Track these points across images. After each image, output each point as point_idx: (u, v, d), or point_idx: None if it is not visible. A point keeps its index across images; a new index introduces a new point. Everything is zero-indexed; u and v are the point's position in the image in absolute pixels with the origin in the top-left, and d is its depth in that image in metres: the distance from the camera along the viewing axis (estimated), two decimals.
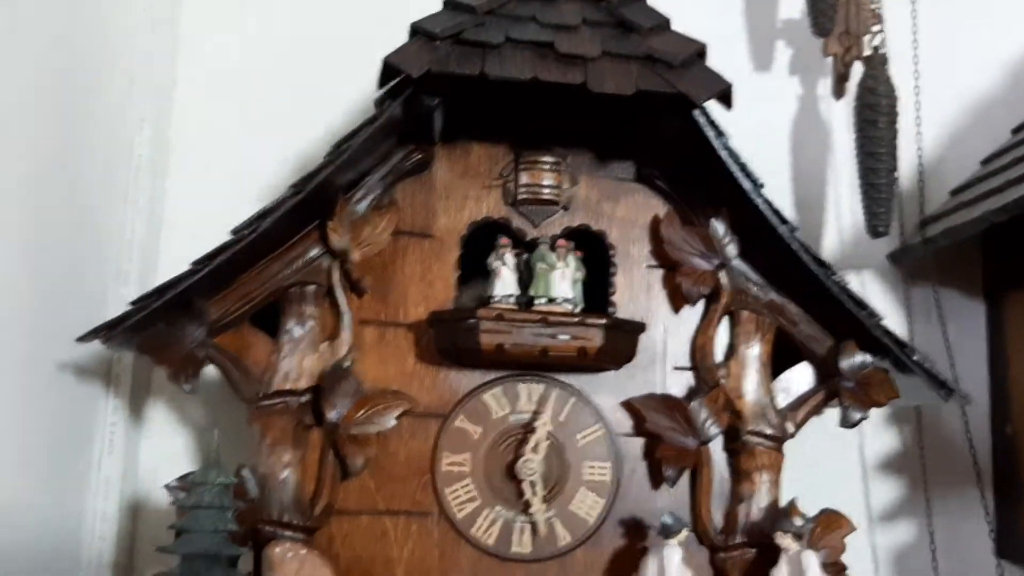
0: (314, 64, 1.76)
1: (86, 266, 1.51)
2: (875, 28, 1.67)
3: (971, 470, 1.71)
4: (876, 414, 1.79)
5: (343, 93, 1.70)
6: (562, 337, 1.32)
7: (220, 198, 1.62)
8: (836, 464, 1.78)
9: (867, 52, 1.72)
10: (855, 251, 1.89)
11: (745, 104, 1.30)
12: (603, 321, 1.34)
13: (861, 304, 1.40)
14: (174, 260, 1.38)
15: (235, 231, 1.34)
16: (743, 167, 1.35)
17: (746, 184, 1.34)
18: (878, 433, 1.84)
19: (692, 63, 1.30)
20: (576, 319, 1.34)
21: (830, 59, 1.73)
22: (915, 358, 1.42)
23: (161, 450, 1.65)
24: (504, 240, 1.42)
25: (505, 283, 1.42)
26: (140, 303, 1.34)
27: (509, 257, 1.41)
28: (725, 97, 1.29)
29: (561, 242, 1.42)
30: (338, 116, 1.70)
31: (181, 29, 1.75)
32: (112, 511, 1.55)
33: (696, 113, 1.31)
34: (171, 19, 1.73)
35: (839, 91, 1.81)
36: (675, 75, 1.27)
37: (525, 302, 1.37)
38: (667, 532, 1.30)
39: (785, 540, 1.31)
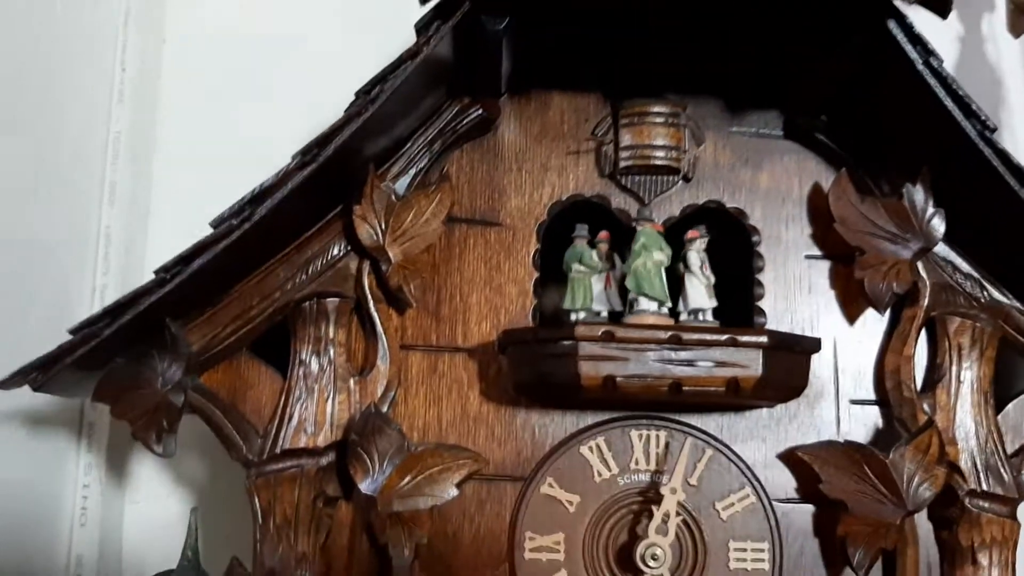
0: (332, 11, 1.48)
1: (51, 280, 1.27)
2: None
3: None
4: None
5: (372, 44, 1.29)
6: (703, 364, 0.92)
7: (222, 181, 1.24)
8: None
9: None
10: None
11: None
12: (763, 339, 0.93)
13: None
14: None
15: (217, 222, 0.93)
16: (963, 101, 0.91)
17: (968, 126, 0.91)
18: None
19: None
20: (724, 337, 0.92)
21: None
22: None
23: (150, 519, 1.36)
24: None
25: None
26: (84, 330, 0.94)
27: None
28: None
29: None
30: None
31: None
32: None
33: (891, 24, 0.89)
34: None
35: (1018, 26, 1.41)
36: None
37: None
38: None
39: None
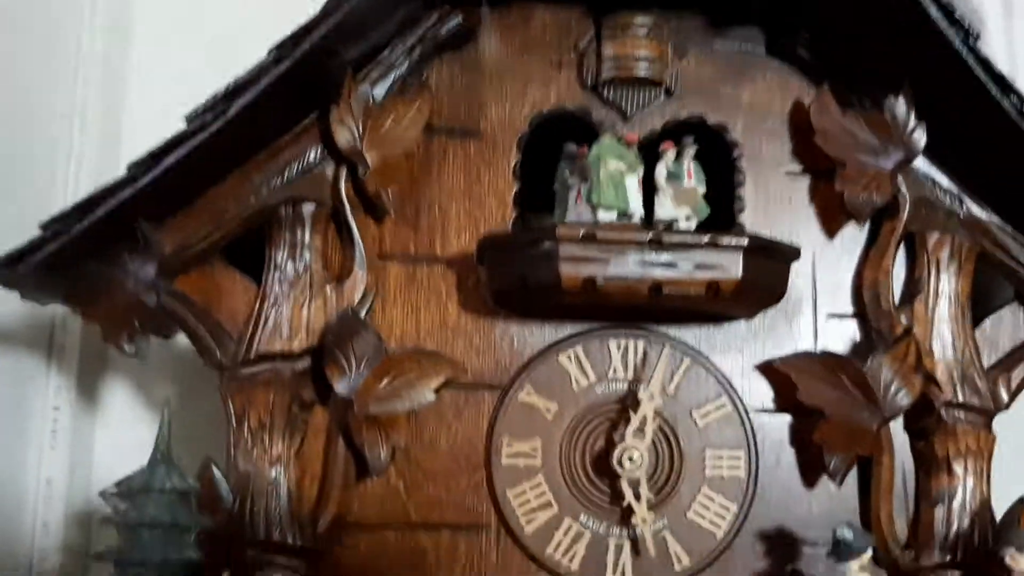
0: None
1: (21, 172, 1.22)
2: None
3: None
4: None
5: None
6: (684, 266, 0.92)
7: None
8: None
9: None
10: None
11: None
12: (743, 242, 0.93)
13: None
14: None
15: (191, 117, 0.91)
16: (946, 9, 0.91)
17: (952, 34, 0.91)
18: None
19: None
20: (704, 240, 0.92)
21: None
22: None
23: (121, 442, 1.33)
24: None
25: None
26: (55, 225, 0.92)
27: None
28: None
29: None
30: None
31: None
32: (56, 522, 1.28)
33: None
34: None
35: None
36: None
37: None
38: (845, 552, 0.91)
39: (1022, 561, 0.91)
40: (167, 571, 0.82)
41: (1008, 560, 0.90)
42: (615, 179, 0.98)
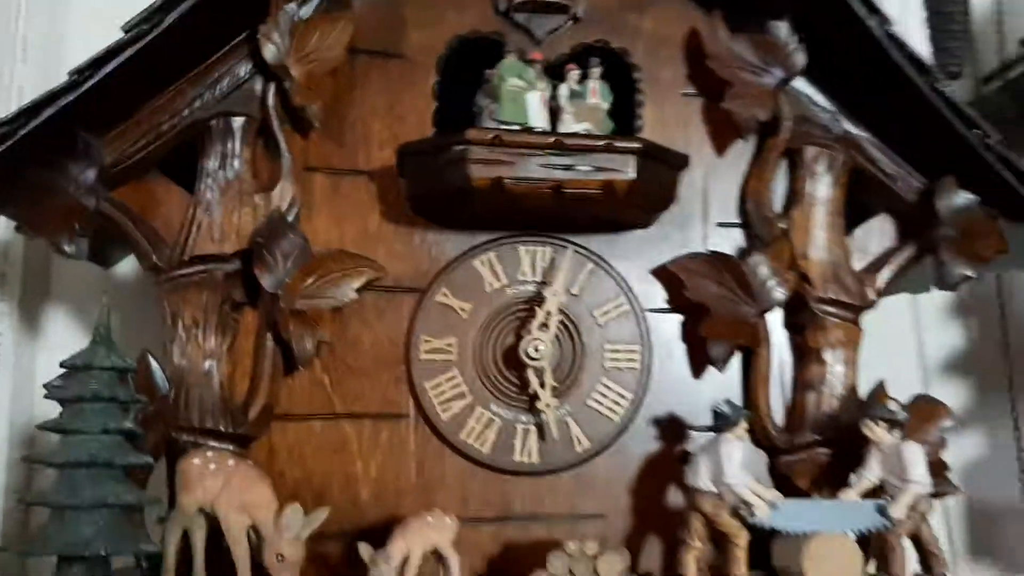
0: None
1: None
2: None
3: None
4: (935, 304, 1.51)
5: None
6: (582, 168, 1.00)
7: None
8: (887, 364, 1.44)
9: None
10: None
11: None
12: (637, 145, 1.01)
13: (971, 122, 1.07)
14: None
15: (128, 27, 0.97)
16: None
17: None
18: (938, 328, 1.54)
19: None
20: (602, 143, 1.00)
21: None
22: None
23: None
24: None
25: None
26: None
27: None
28: None
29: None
30: None
31: None
32: None
33: None
34: None
35: None
36: None
37: None
38: (723, 423, 1.00)
39: (877, 431, 1.01)
40: (103, 441, 0.87)
41: (865, 430, 1.01)
42: (515, 95, 1.05)
